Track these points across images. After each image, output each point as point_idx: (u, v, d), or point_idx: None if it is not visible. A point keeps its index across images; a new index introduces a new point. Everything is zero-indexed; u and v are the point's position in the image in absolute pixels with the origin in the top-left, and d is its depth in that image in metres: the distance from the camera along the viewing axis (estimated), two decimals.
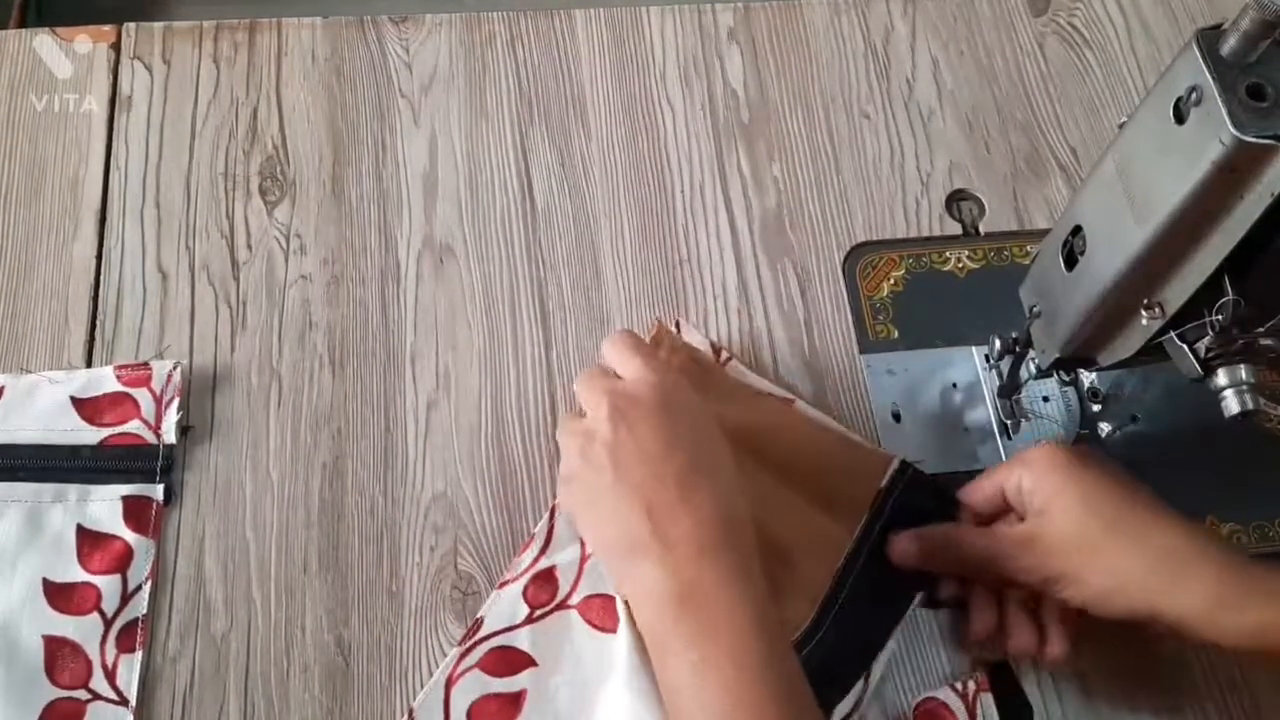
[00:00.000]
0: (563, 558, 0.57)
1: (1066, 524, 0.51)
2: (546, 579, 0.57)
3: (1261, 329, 0.47)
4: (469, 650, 0.55)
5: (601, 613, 0.55)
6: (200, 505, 0.58)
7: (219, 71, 0.70)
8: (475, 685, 0.54)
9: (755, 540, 0.50)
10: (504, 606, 0.56)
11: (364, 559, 0.58)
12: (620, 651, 0.51)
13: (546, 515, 0.58)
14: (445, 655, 0.55)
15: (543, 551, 0.57)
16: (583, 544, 0.57)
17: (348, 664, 0.55)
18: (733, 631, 0.46)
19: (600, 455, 0.50)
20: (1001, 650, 0.55)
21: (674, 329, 0.63)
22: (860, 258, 0.67)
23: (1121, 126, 0.48)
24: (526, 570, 0.57)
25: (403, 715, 0.54)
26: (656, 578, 0.48)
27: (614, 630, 0.54)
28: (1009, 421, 0.62)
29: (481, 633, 0.55)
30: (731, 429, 0.53)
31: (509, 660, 0.55)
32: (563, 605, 0.56)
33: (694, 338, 0.63)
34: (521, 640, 0.55)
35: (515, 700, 0.54)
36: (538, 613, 0.56)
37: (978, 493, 0.56)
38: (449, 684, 0.54)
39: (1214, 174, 0.42)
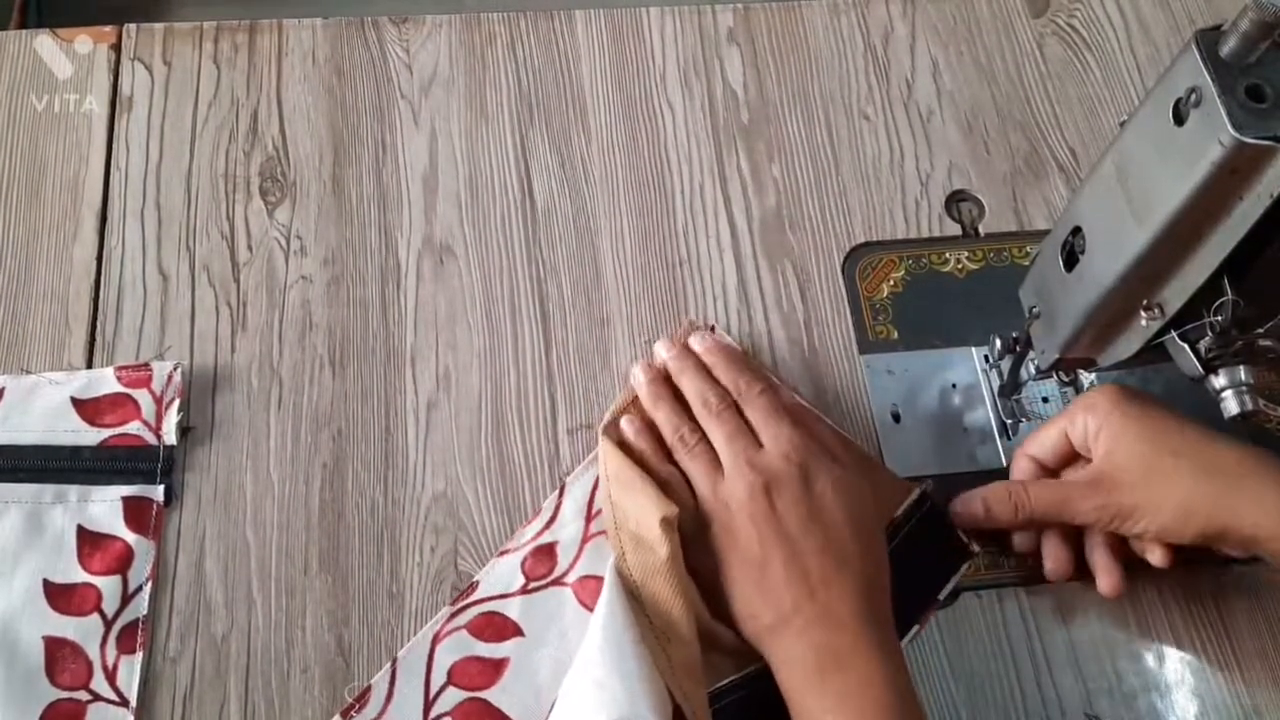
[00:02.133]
0: (565, 535, 0.57)
1: (1133, 458, 0.53)
2: (546, 554, 0.57)
3: (1261, 330, 0.47)
4: (459, 611, 0.56)
5: (593, 594, 0.55)
6: (200, 506, 0.58)
7: (219, 72, 0.70)
8: (460, 645, 0.55)
9: (891, 607, 0.52)
10: (500, 573, 0.57)
11: (364, 560, 0.58)
12: (596, 625, 0.51)
13: (556, 492, 0.59)
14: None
15: (546, 526, 0.58)
16: (586, 523, 0.57)
17: (348, 665, 0.55)
18: (876, 701, 0.48)
19: (764, 510, 0.52)
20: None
21: (708, 332, 0.62)
22: (860, 258, 0.67)
23: (1123, 125, 0.48)
24: (528, 542, 0.57)
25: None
26: (807, 644, 0.50)
27: None
28: (1009, 422, 0.62)
29: (474, 596, 0.56)
30: None
31: (496, 626, 0.55)
32: (558, 581, 0.56)
33: (725, 341, 0.63)
34: (512, 609, 0.56)
35: (498, 666, 0.54)
36: (532, 584, 0.56)
37: (1042, 442, 0.58)
38: (435, 640, 0.55)
39: (1213, 175, 0.42)
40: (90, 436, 0.59)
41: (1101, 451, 0.55)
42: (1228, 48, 0.41)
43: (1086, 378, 0.63)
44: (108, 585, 0.55)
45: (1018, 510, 0.56)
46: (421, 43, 0.73)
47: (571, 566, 0.56)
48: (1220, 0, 0.76)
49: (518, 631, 0.55)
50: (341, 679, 0.55)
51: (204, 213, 0.66)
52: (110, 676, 0.54)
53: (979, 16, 0.76)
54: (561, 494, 0.59)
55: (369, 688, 0.54)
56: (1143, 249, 0.46)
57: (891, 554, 0.55)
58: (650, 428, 0.58)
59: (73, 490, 0.57)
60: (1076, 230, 0.51)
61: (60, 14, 1.28)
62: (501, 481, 0.60)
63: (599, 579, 0.55)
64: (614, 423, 0.58)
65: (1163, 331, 0.49)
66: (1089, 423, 0.55)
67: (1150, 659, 0.57)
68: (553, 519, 0.58)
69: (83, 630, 0.54)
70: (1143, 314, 0.49)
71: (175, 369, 0.60)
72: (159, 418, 0.59)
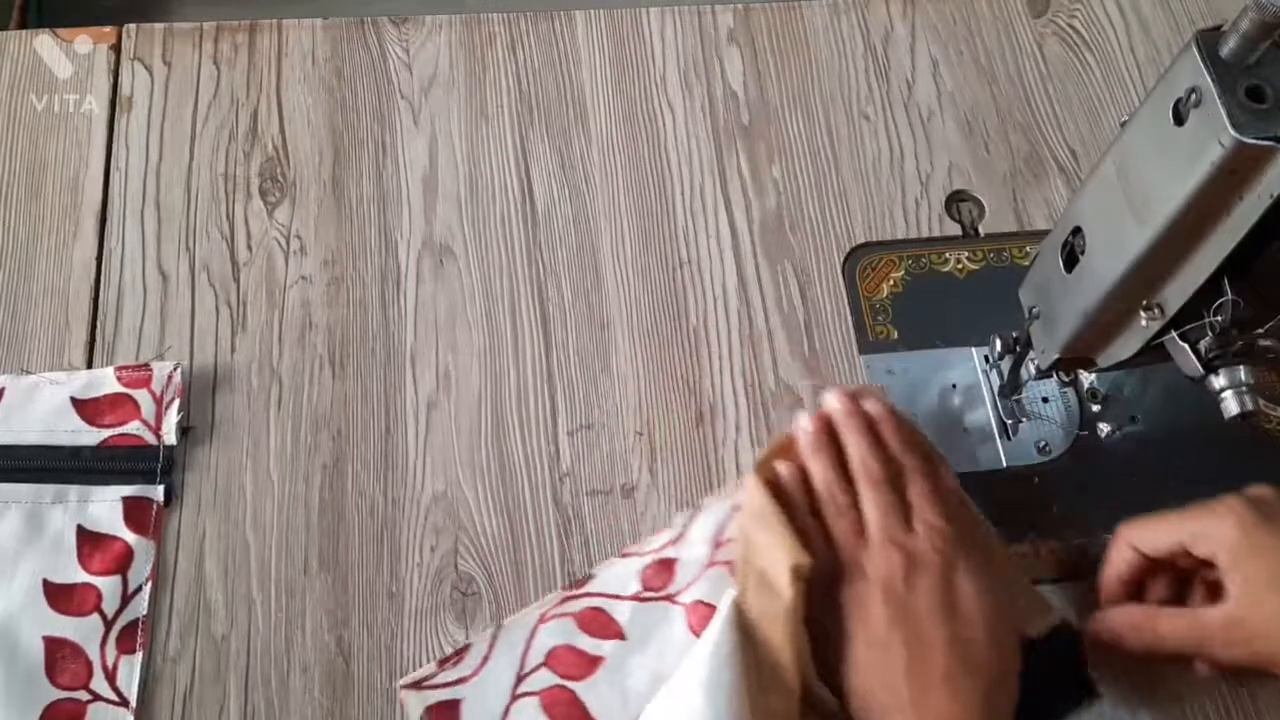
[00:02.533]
0: (689, 555, 0.56)
1: (1272, 607, 0.49)
2: (666, 568, 0.56)
3: (1261, 330, 0.47)
4: (571, 599, 0.56)
5: (703, 620, 0.54)
6: (200, 506, 0.58)
7: (219, 72, 0.70)
8: (563, 632, 0.55)
9: None
10: (618, 574, 0.57)
11: (364, 560, 0.58)
12: (702, 652, 0.50)
13: (691, 511, 0.58)
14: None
15: (673, 542, 0.57)
16: (713, 549, 0.56)
17: (348, 665, 0.55)
18: None
19: (900, 593, 0.50)
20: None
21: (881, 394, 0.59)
22: (860, 259, 0.67)
23: (1123, 125, 0.48)
24: (652, 552, 0.57)
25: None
26: None
27: None
28: (1009, 422, 0.62)
29: (588, 588, 0.56)
30: None
31: (602, 624, 0.55)
32: (671, 598, 0.55)
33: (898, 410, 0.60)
34: (621, 612, 0.55)
35: (593, 662, 0.54)
36: (646, 594, 0.56)
37: (1153, 541, 0.54)
38: (541, 619, 0.56)
39: (1213, 175, 0.42)
40: (90, 436, 0.59)
41: (1235, 594, 0.50)
42: (1228, 48, 0.41)
43: (1086, 378, 0.64)
44: (108, 585, 0.55)
45: (1150, 647, 0.53)
46: (421, 43, 0.73)
47: (687, 587, 0.55)
48: (1220, 0, 0.76)
49: (620, 634, 0.55)
50: (341, 679, 0.55)
51: (204, 213, 0.66)
52: (110, 676, 0.54)
53: (979, 16, 0.76)
54: (695, 516, 0.57)
55: (468, 645, 0.55)
56: (1143, 249, 0.46)
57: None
58: (804, 476, 0.56)
59: (73, 490, 0.57)
60: (1076, 230, 0.51)
61: (60, 14, 1.28)
62: (501, 482, 0.60)
63: (710, 607, 0.54)
64: (766, 462, 0.56)
65: (1163, 332, 0.49)
66: (1217, 552, 0.51)
67: None
68: (680, 536, 0.57)
69: (83, 630, 0.54)
70: (1143, 314, 0.49)
71: (175, 369, 0.60)
72: (159, 418, 0.59)
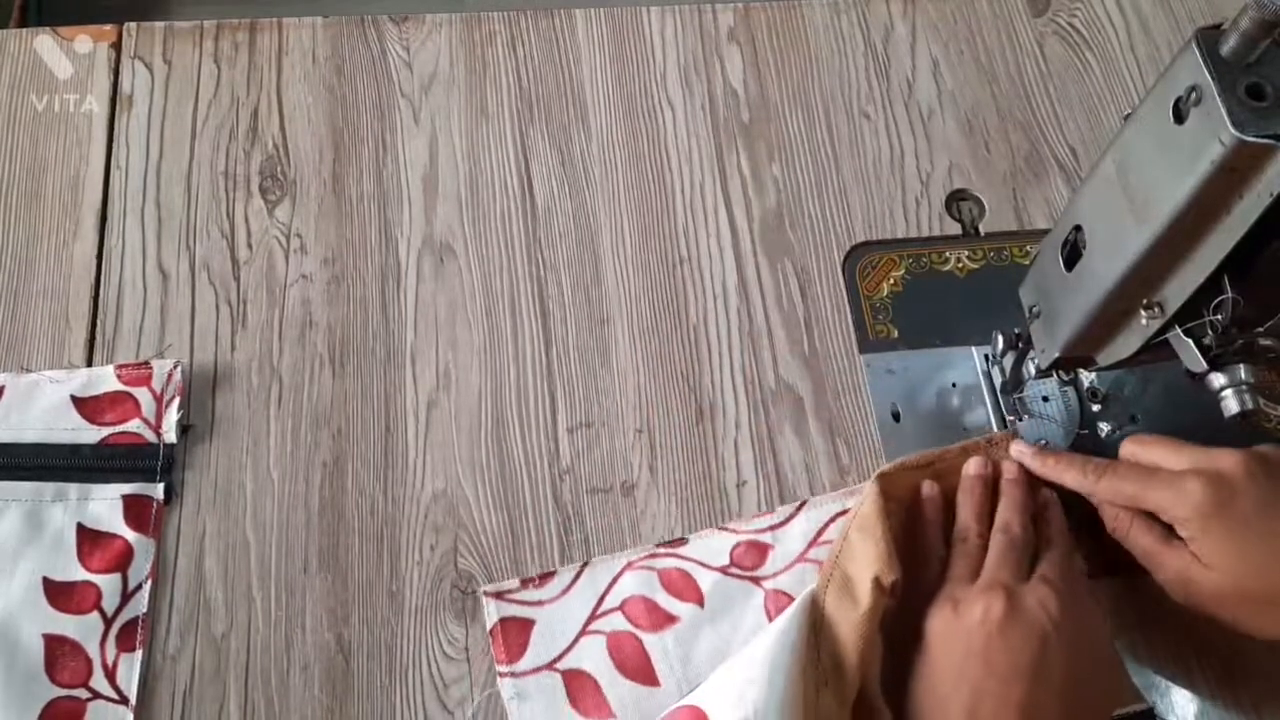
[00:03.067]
0: (784, 544, 0.58)
1: (1225, 583, 0.50)
2: (759, 551, 0.58)
3: (1261, 329, 0.47)
4: (661, 555, 0.58)
5: (781, 609, 0.54)
6: (200, 504, 0.58)
7: (219, 71, 0.70)
8: (645, 583, 0.57)
9: None
10: (712, 546, 0.58)
11: (364, 558, 0.58)
12: (771, 633, 0.51)
13: (796, 504, 0.59)
14: (446, 655, 0.55)
15: (772, 528, 0.58)
16: (808, 546, 0.57)
17: (348, 663, 0.55)
18: None
19: (986, 636, 0.49)
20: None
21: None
22: (860, 258, 0.67)
23: (1126, 118, 0.47)
24: (750, 532, 0.58)
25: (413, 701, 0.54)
26: None
27: None
28: (1009, 420, 0.62)
29: (680, 550, 0.58)
30: None
31: (684, 586, 0.57)
32: (757, 580, 0.57)
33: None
34: (705, 580, 0.57)
35: (666, 620, 0.56)
36: (734, 570, 0.57)
37: (1120, 489, 0.54)
38: (628, 567, 0.57)
39: (1214, 174, 0.42)
40: (90, 435, 0.59)
41: (1193, 549, 0.51)
42: (1228, 46, 0.41)
43: (1087, 377, 0.64)
44: (107, 583, 0.55)
45: (1118, 537, 0.54)
46: (422, 41, 0.73)
47: (774, 575, 0.57)
48: (1220, 0, 0.76)
49: (699, 600, 0.56)
50: (341, 677, 0.55)
51: (204, 211, 0.66)
52: (110, 674, 0.54)
53: (979, 16, 0.76)
54: (800, 509, 0.59)
55: (554, 572, 0.57)
56: (1143, 248, 0.46)
57: None
58: (947, 505, 0.57)
59: (73, 488, 0.57)
60: (1077, 229, 0.51)
61: (60, 13, 1.28)
62: (501, 480, 0.60)
63: (790, 598, 0.55)
64: (890, 473, 0.56)
65: (1163, 330, 0.49)
66: (1179, 523, 0.51)
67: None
68: (781, 525, 0.58)
69: (82, 628, 0.54)
70: (1143, 313, 0.49)
71: (175, 367, 0.60)
72: (159, 416, 0.59)
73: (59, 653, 0.54)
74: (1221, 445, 0.60)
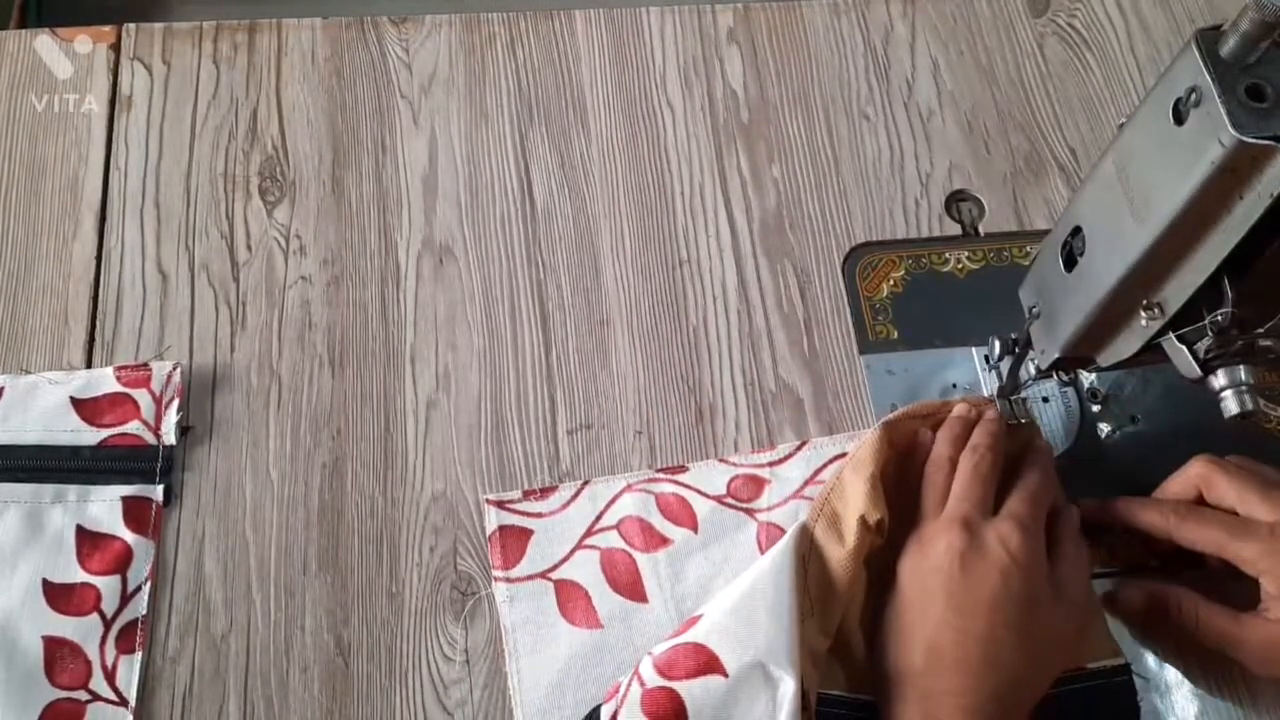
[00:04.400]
0: (781, 479, 0.59)
1: None
2: (757, 484, 0.59)
3: (1260, 330, 0.47)
4: (660, 480, 0.60)
5: (773, 542, 0.56)
6: (200, 506, 0.58)
7: (219, 72, 0.70)
8: (643, 505, 0.59)
9: None
10: (710, 474, 0.60)
11: (364, 559, 0.58)
12: (759, 565, 0.52)
13: (797, 443, 0.61)
14: (445, 656, 0.55)
15: (770, 464, 0.60)
16: (804, 484, 0.59)
17: (347, 664, 0.55)
18: None
19: (948, 570, 0.50)
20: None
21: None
22: (860, 258, 0.67)
23: (1121, 127, 0.48)
24: (748, 466, 0.60)
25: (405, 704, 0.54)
26: (909, 716, 0.49)
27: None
28: (1009, 422, 0.62)
29: (678, 477, 0.60)
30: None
31: (680, 511, 0.58)
32: (751, 512, 0.59)
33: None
34: (701, 507, 0.59)
35: (660, 541, 0.58)
36: (729, 500, 0.59)
37: (1196, 534, 0.53)
38: (627, 488, 0.59)
39: (1213, 175, 0.42)
40: (89, 436, 0.59)
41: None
42: (1228, 47, 0.41)
43: (1087, 378, 0.63)
44: (107, 585, 0.55)
45: (1183, 631, 0.53)
46: (421, 42, 0.72)
47: (769, 509, 0.59)
48: (1220, 0, 0.76)
49: (694, 526, 0.58)
50: (341, 678, 0.55)
51: (203, 212, 0.66)
52: (109, 676, 0.54)
53: (979, 16, 0.76)
54: (800, 448, 0.60)
55: (555, 487, 0.59)
56: (1143, 249, 0.46)
57: (1055, 699, 0.52)
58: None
59: (72, 490, 0.57)
60: (1076, 230, 0.51)
61: (60, 14, 1.28)
62: (501, 481, 0.60)
63: (784, 531, 0.56)
64: (895, 421, 0.57)
65: (1163, 331, 0.49)
66: (1263, 581, 0.51)
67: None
68: (780, 461, 0.60)
69: (82, 630, 0.54)
70: (1143, 314, 0.49)
71: (174, 368, 0.60)
72: (158, 417, 0.59)
73: (58, 654, 0.54)
74: (1222, 446, 0.61)
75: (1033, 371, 0.59)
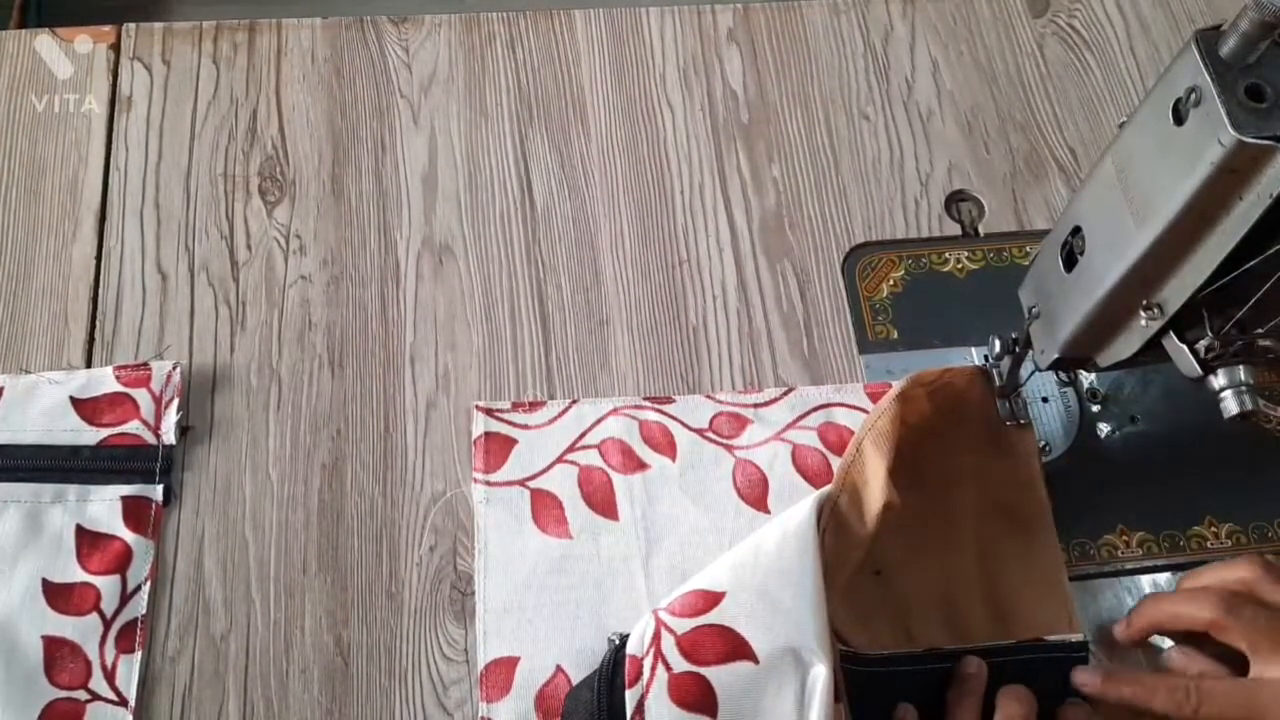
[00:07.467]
0: (763, 420, 0.61)
1: None
2: (739, 422, 0.61)
3: (1260, 330, 0.47)
4: (645, 408, 0.61)
5: (747, 479, 0.58)
6: (200, 506, 0.58)
7: (219, 72, 0.70)
8: (626, 429, 0.60)
9: None
10: (696, 408, 0.61)
11: (364, 559, 0.58)
12: (788, 543, 0.52)
13: (784, 389, 0.62)
14: (445, 657, 0.55)
15: (756, 405, 0.62)
16: (786, 428, 0.60)
17: (347, 665, 0.55)
18: None
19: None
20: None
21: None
22: (860, 258, 0.67)
23: (1121, 127, 0.48)
24: (733, 405, 0.61)
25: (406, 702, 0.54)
26: None
27: (761, 507, 0.58)
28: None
29: (664, 407, 0.61)
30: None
31: (662, 439, 0.60)
32: (730, 448, 0.60)
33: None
34: (682, 437, 0.60)
35: (638, 465, 0.59)
36: (710, 433, 0.60)
37: (1175, 622, 0.53)
38: (613, 411, 0.61)
39: (1213, 175, 0.42)
40: (89, 436, 0.59)
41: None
42: (1227, 47, 0.41)
43: (1086, 378, 0.63)
44: (106, 585, 0.55)
45: (1187, 713, 0.50)
46: (421, 42, 0.72)
47: (748, 447, 0.60)
48: (1220, 0, 0.76)
49: (673, 455, 0.59)
50: (340, 678, 0.55)
51: (203, 212, 0.66)
52: (109, 676, 0.54)
53: (979, 16, 0.76)
54: (786, 394, 0.62)
55: (544, 402, 0.61)
56: (1143, 249, 0.46)
57: (1008, 666, 0.53)
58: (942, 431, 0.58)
59: (72, 490, 0.57)
60: (1076, 230, 0.51)
61: (60, 14, 1.28)
62: None
63: (758, 468, 0.59)
64: (908, 392, 0.57)
65: (1162, 332, 0.49)
66: (1253, 663, 0.50)
67: None
68: (765, 404, 0.61)
69: (81, 630, 0.54)
70: (1142, 314, 0.49)
71: (174, 368, 0.60)
72: (158, 417, 0.59)
73: (58, 654, 0.54)
74: (1222, 446, 0.61)
75: (1032, 372, 0.59)
